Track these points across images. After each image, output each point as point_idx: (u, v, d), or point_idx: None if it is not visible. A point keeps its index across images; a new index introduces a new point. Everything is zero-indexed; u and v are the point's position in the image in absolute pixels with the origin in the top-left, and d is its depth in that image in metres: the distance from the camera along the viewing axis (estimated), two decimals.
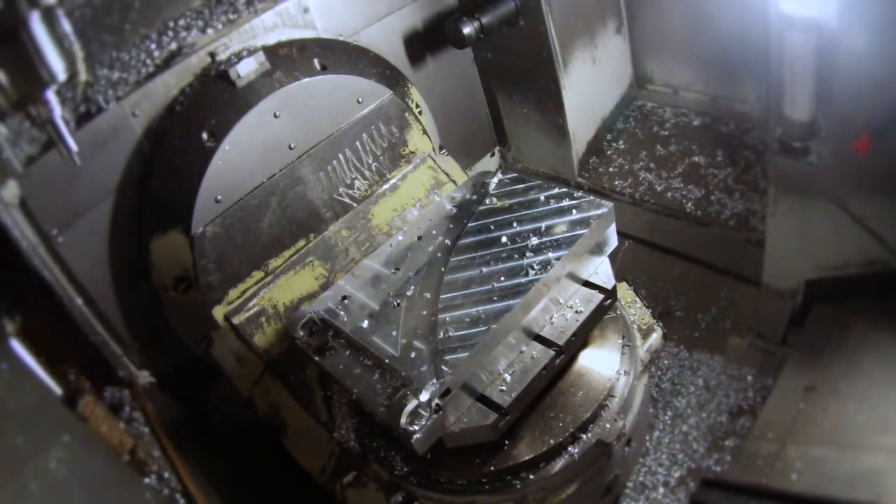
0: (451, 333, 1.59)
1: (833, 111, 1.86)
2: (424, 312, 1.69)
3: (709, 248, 2.70)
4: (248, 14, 2.09)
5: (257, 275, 2.09)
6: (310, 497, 2.06)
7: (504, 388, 1.61)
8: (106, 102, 1.82)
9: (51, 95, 1.31)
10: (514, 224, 1.86)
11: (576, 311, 1.76)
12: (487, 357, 1.59)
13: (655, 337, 2.06)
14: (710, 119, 3.07)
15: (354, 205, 2.31)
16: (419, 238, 1.96)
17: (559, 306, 1.77)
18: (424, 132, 2.47)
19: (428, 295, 1.73)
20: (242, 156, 1.98)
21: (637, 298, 2.19)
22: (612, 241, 1.89)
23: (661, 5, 2.95)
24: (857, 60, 1.72)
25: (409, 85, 2.52)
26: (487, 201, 1.99)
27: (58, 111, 1.34)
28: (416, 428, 1.44)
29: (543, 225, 1.81)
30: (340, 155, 2.24)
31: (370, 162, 2.33)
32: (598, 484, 1.86)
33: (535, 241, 1.76)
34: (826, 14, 1.70)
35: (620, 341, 1.89)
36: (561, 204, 1.86)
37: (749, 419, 2.23)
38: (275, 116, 2.02)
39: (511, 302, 1.61)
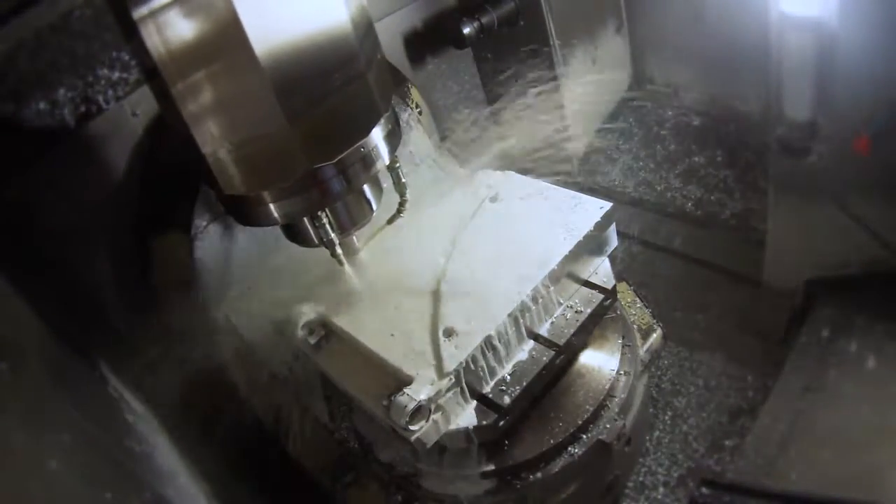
0: (451, 333, 1.59)
1: (833, 111, 1.86)
2: (424, 312, 1.69)
3: (709, 248, 2.70)
4: None
5: (258, 274, 2.09)
6: (310, 497, 2.06)
7: (504, 388, 1.61)
8: (106, 102, 1.81)
9: None
10: (514, 223, 1.85)
11: (576, 311, 1.76)
12: (487, 357, 1.59)
13: (655, 337, 2.06)
14: (710, 119, 3.07)
15: None
16: (419, 237, 1.96)
17: (559, 306, 1.77)
18: (424, 132, 2.48)
19: (428, 294, 1.73)
20: None
21: (637, 298, 2.19)
22: (612, 241, 1.89)
23: (661, 5, 2.95)
24: (857, 60, 1.72)
25: (409, 85, 2.52)
26: (487, 201, 1.99)
27: None
28: (417, 428, 1.45)
29: (543, 225, 1.81)
30: None
31: None
32: (598, 484, 1.86)
33: (535, 240, 1.76)
34: (826, 14, 1.70)
35: (620, 341, 1.89)
36: (561, 204, 1.86)
37: (749, 419, 2.23)
38: None
39: (511, 301, 1.61)
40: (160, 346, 2.09)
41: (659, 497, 2.16)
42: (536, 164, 3.18)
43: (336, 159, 1.38)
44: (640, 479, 2.23)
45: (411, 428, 1.44)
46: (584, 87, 2.95)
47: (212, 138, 1.29)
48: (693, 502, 1.75)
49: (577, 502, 1.79)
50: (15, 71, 1.55)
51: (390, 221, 1.93)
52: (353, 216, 1.65)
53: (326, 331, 1.79)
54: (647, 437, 2.31)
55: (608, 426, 1.74)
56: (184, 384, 2.16)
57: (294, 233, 1.68)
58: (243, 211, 1.49)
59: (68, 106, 1.71)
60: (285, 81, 1.22)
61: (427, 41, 2.74)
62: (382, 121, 1.47)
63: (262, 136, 1.29)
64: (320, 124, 1.31)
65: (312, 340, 1.78)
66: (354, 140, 1.40)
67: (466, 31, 2.54)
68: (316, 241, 1.64)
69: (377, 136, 1.45)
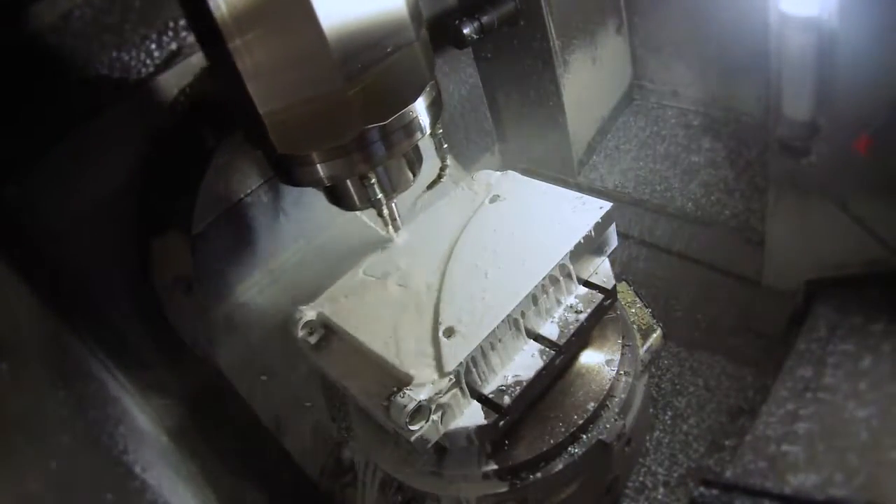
0: (451, 333, 1.59)
1: (833, 111, 1.86)
2: (424, 312, 1.69)
3: (709, 248, 2.70)
4: None
5: (258, 274, 2.10)
6: (309, 497, 2.06)
7: (504, 388, 1.62)
8: (106, 102, 1.81)
9: None
10: (514, 224, 1.85)
11: (576, 311, 1.76)
12: (487, 357, 1.59)
13: (655, 337, 2.06)
14: (710, 119, 3.07)
15: None
16: (419, 237, 1.96)
17: (559, 306, 1.77)
18: None
19: (428, 294, 1.73)
20: (242, 155, 1.98)
21: (637, 298, 2.19)
22: (613, 241, 1.89)
23: (661, 5, 2.95)
24: (857, 60, 1.72)
25: None
26: (487, 201, 1.99)
27: None
28: (417, 428, 1.45)
29: (544, 225, 1.81)
30: None
31: None
32: (598, 484, 1.86)
33: (535, 240, 1.76)
34: (826, 14, 1.70)
35: (620, 341, 1.89)
36: (561, 204, 1.86)
37: (749, 419, 2.23)
38: None
39: (511, 301, 1.61)
40: (161, 346, 2.09)
41: (659, 497, 2.17)
42: (536, 164, 3.20)
43: (388, 121, 1.45)
44: (640, 479, 2.23)
45: (411, 428, 1.44)
46: (583, 87, 2.95)
47: (270, 97, 1.34)
48: (693, 502, 1.75)
49: (577, 502, 1.79)
50: (15, 70, 1.55)
51: (430, 187, 1.97)
52: (394, 181, 1.69)
53: (326, 331, 1.79)
54: (647, 437, 2.31)
55: (608, 426, 1.74)
56: (185, 384, 2.17)
57: (337, 195, 1.71)
58: (291, 171, 1.54)
59: (69, 105, 1.71)
60: (344, 44, 1.29)
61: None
62: (427, 89, 1.54)
63: (319, 97, 1.34)
64: (374, 87, 1.38)
65: (312, 340, 1.78)
66: (404, 104, 1.48)
67: (466, 31, 2.54)
68: (358, 203, 1.68)
69: (421, 104, 1.53)
